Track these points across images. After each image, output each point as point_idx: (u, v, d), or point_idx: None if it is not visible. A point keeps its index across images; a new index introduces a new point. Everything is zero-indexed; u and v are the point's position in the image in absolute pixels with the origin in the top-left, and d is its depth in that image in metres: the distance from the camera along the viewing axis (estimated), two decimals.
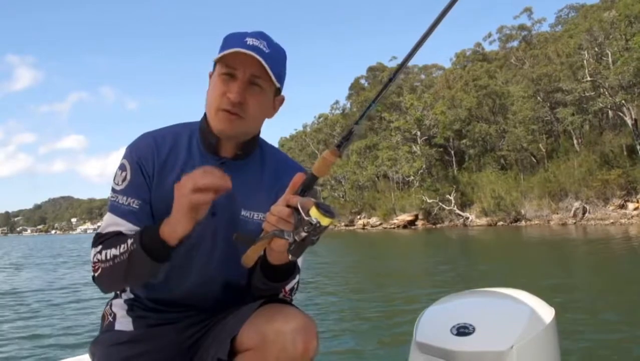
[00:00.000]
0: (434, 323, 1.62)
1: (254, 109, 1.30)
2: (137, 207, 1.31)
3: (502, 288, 1.78)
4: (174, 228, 1.16)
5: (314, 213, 1.04)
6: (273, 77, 1.27)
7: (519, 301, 1.63)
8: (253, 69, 1.26)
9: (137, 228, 1.28)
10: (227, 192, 1.27)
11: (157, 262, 1.19)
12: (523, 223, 36.37)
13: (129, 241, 1.21)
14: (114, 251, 1.24)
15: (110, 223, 1.31)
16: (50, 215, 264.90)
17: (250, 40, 1.27)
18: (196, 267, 1.37)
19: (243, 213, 1.37)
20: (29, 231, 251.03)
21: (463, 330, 1.51)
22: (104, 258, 1.25)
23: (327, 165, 1.12)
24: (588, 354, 4.79)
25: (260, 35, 1.30)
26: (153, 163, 1.35)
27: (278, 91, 1.36)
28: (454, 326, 1.53)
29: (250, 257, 1.17)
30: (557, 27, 56.04)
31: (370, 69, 63.69)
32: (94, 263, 1.28)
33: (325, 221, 1.04)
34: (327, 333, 5.97)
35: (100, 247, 1.28)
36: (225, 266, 1.37)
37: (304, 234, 1.06)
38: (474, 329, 1.50)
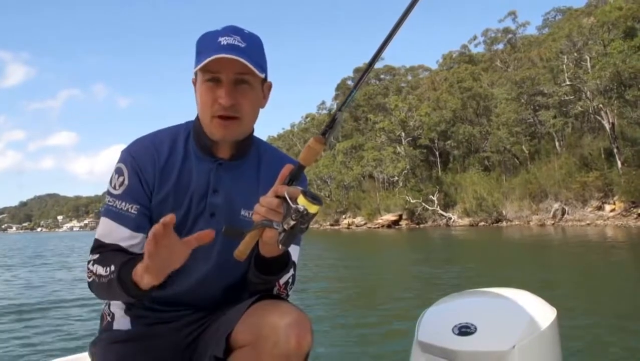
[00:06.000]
0: (436, 322, 1.62)
1: (247, 107, 1.30)
2: (135, 212, 1.31)
3: (504, 287, 1.77)
4: (141, 277, 1.14)
5: (302, 201, 1.05)
6: (256, 71, 1.26)
7: (521, 301, 1.63)
8: (235, 68, 1.25)
9: (134, 234, 1.30)
10: (225, 192, 1.35)
11: (132, 298, 1.20)
12: (504, 223, 36.89)
13: (112, 268, 1.21)
14: (100, 270, 1.24)
15: (108, 229, 1.31)
16: (36, 212, 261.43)
17: (223, 40, 1.25)
18: (196, 268, 1.36)
19: (243, 212, 1.37)
20: (14, 228, 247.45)
21: (465, 330, 1.51)
22: (94, 270, 1.26)
23: (313, 154, 1.13)
24: (589, 355, 4.86)
25: (232, 31, 1.28)
26: (153, 167, 1.33)
27: (264, 79, 1.35)
28: (455, 326, 1.53)
29: (242, 251, 1.17)
30: (544, 29, 56.80)
31: (357, 70, 63.97)
32: (88, 270, 1.29)
33: (312, 208, 1.05)
34: (327, 333, 5.98)
35: (97, 256, 1.29)
36: (225, 267, 1.37)
37: (292, 222, 1.06)
38: (475, 329, 1.50)
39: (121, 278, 1.17)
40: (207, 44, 1.27)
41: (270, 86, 1.39)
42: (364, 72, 1.14)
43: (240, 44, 1.26)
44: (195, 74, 1.31)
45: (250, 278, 1.35)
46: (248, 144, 1.40)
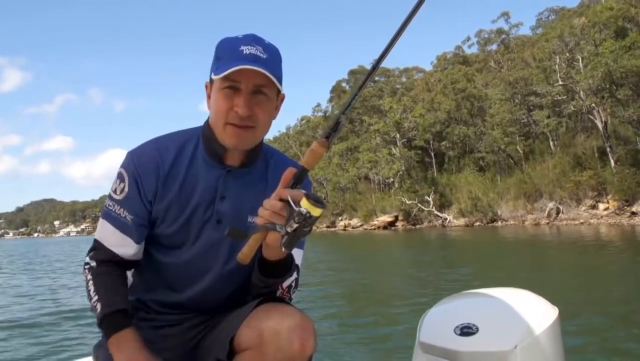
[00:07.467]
0: (438, 323, 1.62)
1: (262, 117, 1.29)
2: (129, 221, 1.33)
3: (505, 287, 1.77)
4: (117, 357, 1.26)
5: (305, 204, 1.05)
6: (277, 83, 1.27)
7: (523, 301, 1.63)
8: (256, 79, 1.25)
9: (128, 241, 1.35)
10: (233, 199, 1.36)
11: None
12: (499, 223, 37.00)
13: (98, 307, 1.31)
14: (90, 287, 1.35)
15: (106, 231, 1.36)
16: (33, 218, 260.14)
17: (246, 49, 1.25)
18: (204, 273, 1.38)
19: (250, 219, 1.36)
20: (10, 234, 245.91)
21: (466, 330, 1.51)
22: (84, 278, 1.37)
23: (316, 157, 1.12)
24: (591, 354, 4.81)
25: (254, 40, 1.28)
26: (157, 174, 1.33)
27: (279, 90, 1.34)
28: (457, 326, 1.53)
29: (245, 254, 1.17)
30: (537, 29, 57.09)
31: (352, 72, 64.13)
32: (84, 270, 1.39)
33: (315, 211, 1.05)
34: (330, 335, 5.95)
35: (93, 263, 1.38)
36: (231, 272, 1.39)
37: (295, 225, 1.06)
38: (477, 329, 1.51)
39: (102, 326, 1.31)
40: (228, 51, 1.27)
41: (283, 98, 1.38)
42: (368, 74, 1.13)
43: (262, 55, 1.25)
44: (211, 78, 1.30)
45: (253, 281, 1.35)
46: (258, 152, 1.39)
